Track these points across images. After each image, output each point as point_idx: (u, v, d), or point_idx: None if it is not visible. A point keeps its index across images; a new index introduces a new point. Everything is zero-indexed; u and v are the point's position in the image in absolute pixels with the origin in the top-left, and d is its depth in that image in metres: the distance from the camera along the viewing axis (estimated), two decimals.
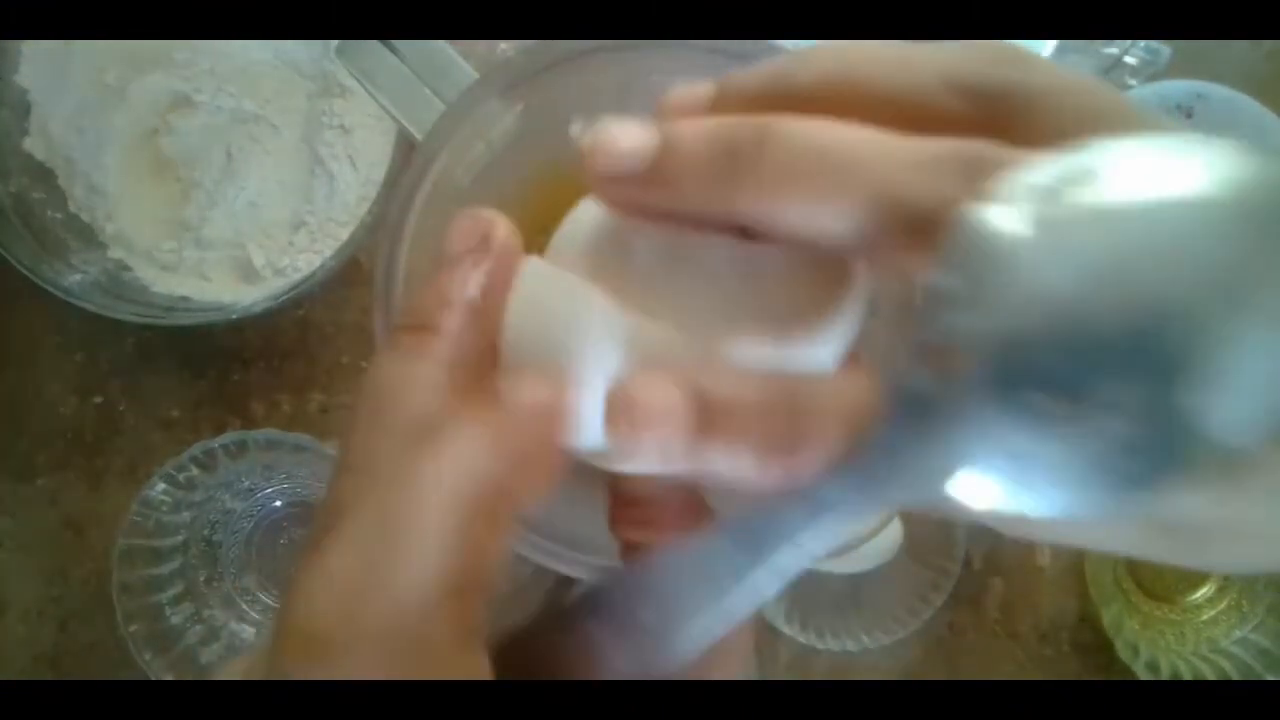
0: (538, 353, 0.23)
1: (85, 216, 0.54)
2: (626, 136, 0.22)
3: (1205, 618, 0.59)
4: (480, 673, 0.20)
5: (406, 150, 0.53)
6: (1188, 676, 0.56)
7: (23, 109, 0.54)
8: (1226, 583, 0.60)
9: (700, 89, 0.23)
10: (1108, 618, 0.54)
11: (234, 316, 0.52)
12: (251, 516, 0.58)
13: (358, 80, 0.39)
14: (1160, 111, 0.57)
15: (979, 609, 0.59)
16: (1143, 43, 0.50)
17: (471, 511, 0.19)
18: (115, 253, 0.54)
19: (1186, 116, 0.57)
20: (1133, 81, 0.52)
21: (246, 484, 0.57)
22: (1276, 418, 0.17)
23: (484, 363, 0.23)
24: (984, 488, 0.18)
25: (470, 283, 0.23)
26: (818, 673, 0.58)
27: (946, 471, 0.18)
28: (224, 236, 0.54)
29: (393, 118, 0.40)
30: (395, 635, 0.19)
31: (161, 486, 0.52)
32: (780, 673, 0.58)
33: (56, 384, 0.57)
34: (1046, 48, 0.53)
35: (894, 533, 0.54)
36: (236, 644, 0.56)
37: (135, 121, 0.54)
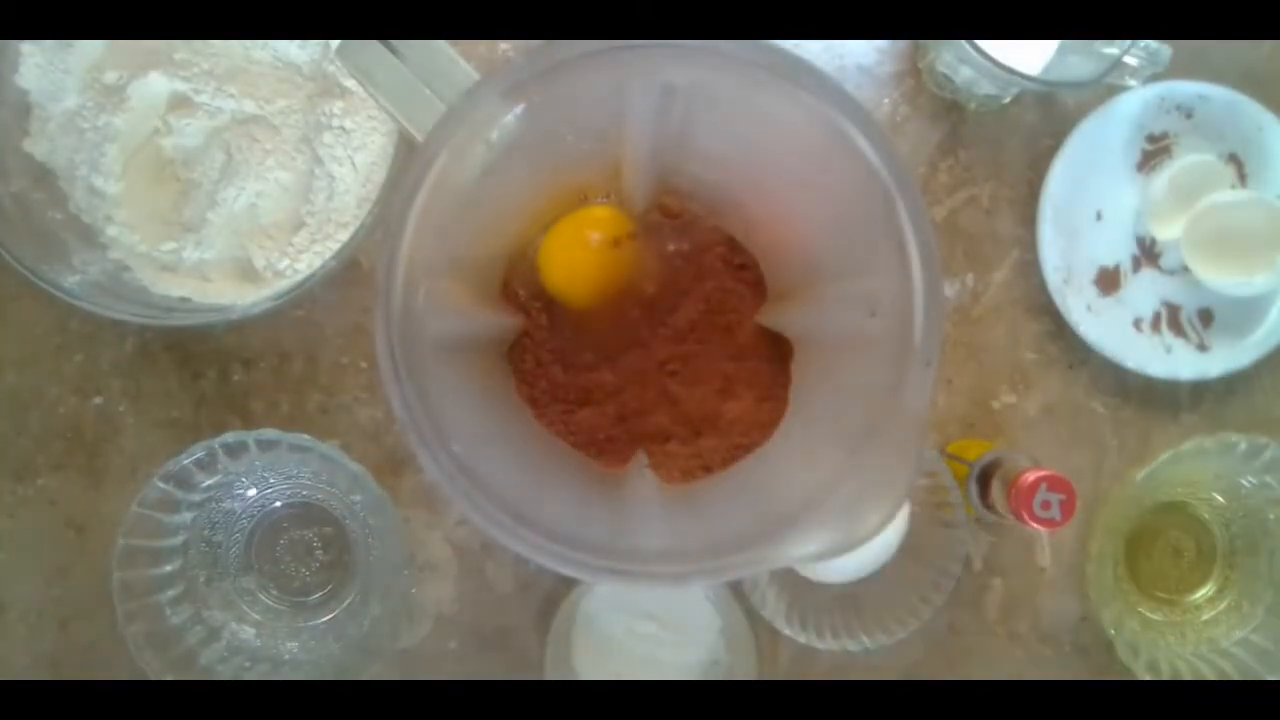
0: None
1: (86, 217, 0.54)
2: None
3: (1205, 618, 0.59)
4: None
5: (407, 151, 0.53)
6: (1188, 676, 0.56)
7: (23, 109, 0.54)
8: (1227, 583, 0.60)
9: None
10: (1108, 618, 0.54)
11: (234, 317, 0.52)
12: (251, 516, 0.58)
13: (358, 80, 0.39)
14: (1160, 111, 0.57)
15: (979, 609, 0.59)
16: (1143, 43, 0.50)
17: None
18: (115, 253, 0.54)
19: (1186, 117, 0.57)
20: (1133, 81, 0.52)
21: (246, 484, 0.57)
22: None
23: None
24: None
25: None
26: (818, 673, 0.58)
27: None
28: (224, 237, 0.54)
29: (393, 118, 0.40)
30: None
31: (161, 486, 0.52)
32: (780, 673, 0.58)
33: (56, 384, 0.57)
34: (1047, 48, 0.53)
35: (891, 537, 0.54)
36: (237, 644, 0.56)
37: (135, 122, 0.54)
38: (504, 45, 0.58)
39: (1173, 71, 0.52)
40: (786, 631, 0.54)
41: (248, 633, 0.57)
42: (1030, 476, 0.48)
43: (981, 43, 0.50)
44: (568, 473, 0.44)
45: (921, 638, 0.57)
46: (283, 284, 0.53)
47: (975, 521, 0.57)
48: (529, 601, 0.57)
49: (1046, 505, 0.48)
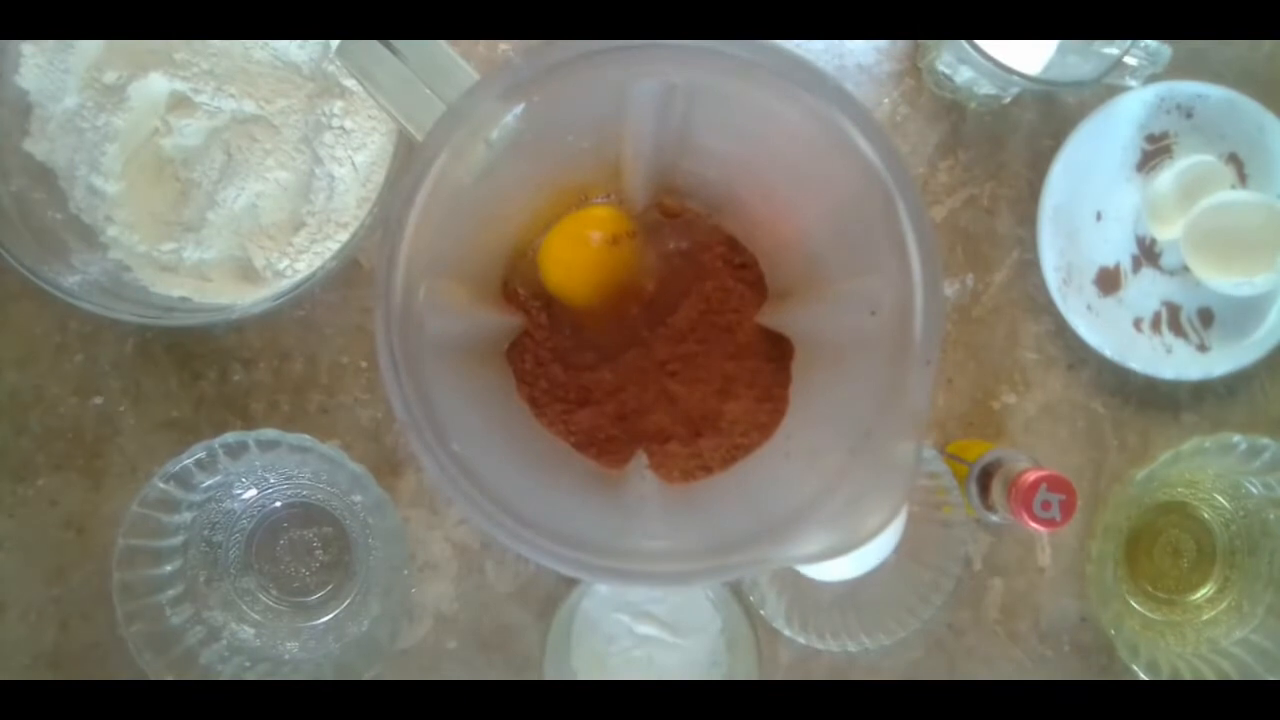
0: None
1: (85, 217, 0.54)
2: None
3: (1205, 618, 0.59)
4: None
5: (406, 150, 0.53)
6: (1188, 676, 0.56)
7: (23, 109, 0.54)
8: (1227, 583, 0.60)
9: None
10: (1107, 618, 0.54)
11: (234, 317, 0.52)
12: (251, 516, 0.58)
13: (358, 80, 0.39)
14: (1160, 111, 0.57)
15: (979, 609, 0.59)
16: (1143, 43, 0.50)
17: None
18: (115, 253, 0.54)
19: (1186, 117, 0.57)
20: (1133, 82, 0.52)
21: (246, 484, 0.57)
22: None
23: None
24: None
25: None
26: (818, 673, 0.58)
27: None
28: (224, 237, 0.54)
29: (393, 118, 0.40)
30: None
31: (161, 486, 0.52)
32: (780, 673, 0.58)
33: (56, 384, 0.57)
34: (1047, 48, 0.53)
35: (890, 537, 0.54)
36: (237, 644, 0.56)
37: (135, 122, 0.54)
38: (504, 45, 0.58)
39: (1173, 71, 0.52)
40: (786, 632, 0.54)
41: (248, 633, 0.57)
42: (1030, 476, 0.48)
43: (981, 43, 0.50)
44: (568, 473, 0.44)
45: (921, 638, 0.57)
46: (283, 284, 0.53)
47: (975, 521, 0.57)
48: (529, 601, 0.57)
49: (1046, 505, 0.48)
